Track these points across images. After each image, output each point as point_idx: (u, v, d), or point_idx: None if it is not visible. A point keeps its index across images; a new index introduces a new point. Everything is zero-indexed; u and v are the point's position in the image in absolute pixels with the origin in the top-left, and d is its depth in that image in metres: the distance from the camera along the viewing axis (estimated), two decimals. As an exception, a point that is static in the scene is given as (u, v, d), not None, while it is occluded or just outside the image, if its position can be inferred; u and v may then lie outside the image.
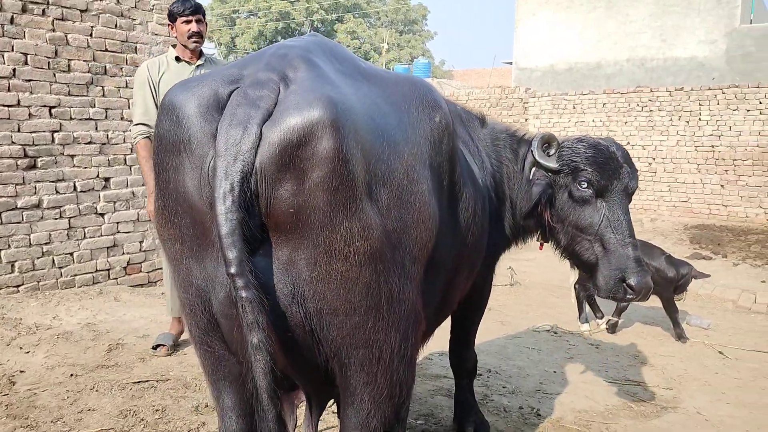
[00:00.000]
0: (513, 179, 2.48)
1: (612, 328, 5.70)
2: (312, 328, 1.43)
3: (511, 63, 19.57)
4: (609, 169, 2.35)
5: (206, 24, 3.84)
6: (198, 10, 3.72)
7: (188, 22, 3.68)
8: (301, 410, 2.22)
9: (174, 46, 3.83)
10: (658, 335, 5.72)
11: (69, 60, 5.15)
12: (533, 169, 2.47)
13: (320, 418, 1.78)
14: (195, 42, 3.71)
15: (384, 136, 1.49)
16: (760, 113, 11.06)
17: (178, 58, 3.75)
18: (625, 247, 2.27)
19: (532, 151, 2.45)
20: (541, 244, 2.68)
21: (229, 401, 1.58)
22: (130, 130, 3.96)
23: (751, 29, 14.44)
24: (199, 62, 3.78)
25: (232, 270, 1.29)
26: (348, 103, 1.40)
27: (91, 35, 5.29)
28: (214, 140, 1.35)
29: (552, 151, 2.45)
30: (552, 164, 2.41)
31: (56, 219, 5.11)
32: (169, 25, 3.78)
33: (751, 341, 5.56)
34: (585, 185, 2.34)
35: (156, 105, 3.60)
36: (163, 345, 3.83)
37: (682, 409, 3.71)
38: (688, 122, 11.82)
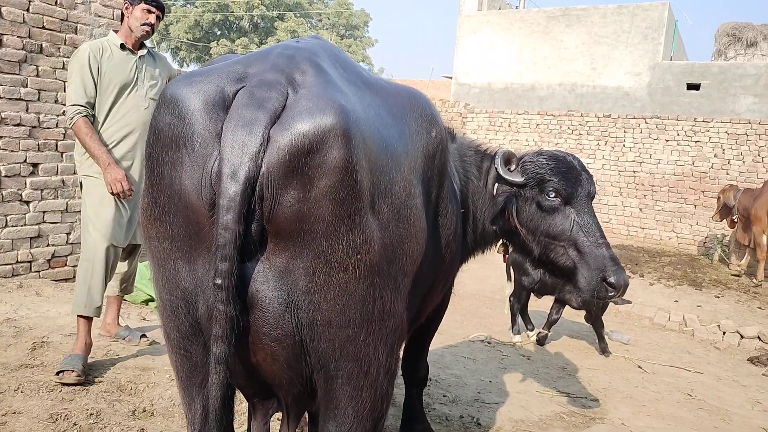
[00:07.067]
0: (477, 194, 2.53)
1: (542, 341, 5.94)
2: (302, 338, 1.41)
3: (450, 77, 19.98)
4: (571, 177, 2.46)
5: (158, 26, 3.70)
6: (162, 8, 3.62)
7: (150, 12, 3.54)
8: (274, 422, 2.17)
9: (116, 31, 3.59)
10: (584, 349, 6.02)
11: (1, 34, 4.78)
12: (496, 184, 2.53)
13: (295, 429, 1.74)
14: (145, 32, 3.55)
15: (388, 148, 1.49)
16: (677, 144, 11.93)
17: (123, 46, 3.53)
18: (599, 248, 2.35)
19: (495, 168, 2.51)
20: (504, 255, 2.76)
21: (201, 409, 1.52)
22: (64, 113, 3.68)
23: (671, 65, 15.51)
24: (141, 52, 3.60)
25: (218, 281, 1.28)
26: (357, 112, 1.39)
27: (28, 10, 4.94)
28: (218, 140, 1.31)
29: (513, 167, 2.52)
30: (517, 179, 2.47)
31: (-25, 204, 4.73)
32: (125, 4, 3.56)
33: (666, 356, 5.98)
34: (553, 194, 2.43)
35: (96, 88, 3.39)
36: (71, 370, 3.09)
37: (608, 419, 3.92)
38: (613, 147, 12.56)
